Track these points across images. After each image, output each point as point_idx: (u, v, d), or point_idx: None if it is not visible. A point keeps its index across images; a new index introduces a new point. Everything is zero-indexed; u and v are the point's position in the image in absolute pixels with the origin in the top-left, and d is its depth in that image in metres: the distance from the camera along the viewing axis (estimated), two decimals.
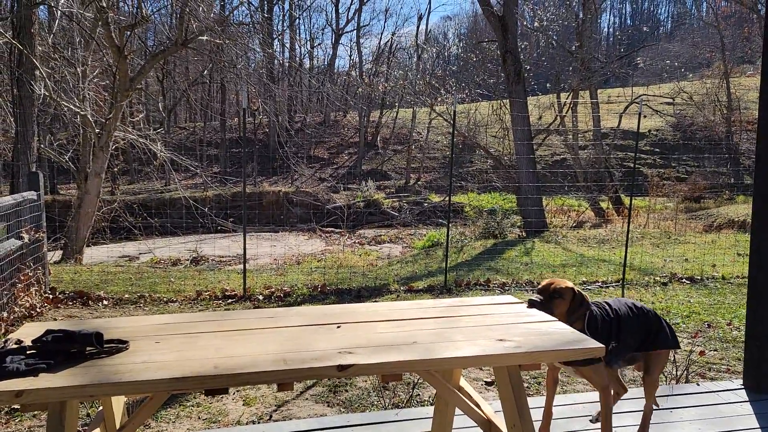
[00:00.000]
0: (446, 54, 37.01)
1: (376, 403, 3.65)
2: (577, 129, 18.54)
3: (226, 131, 27.75)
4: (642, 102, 7.49)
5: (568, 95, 17.67)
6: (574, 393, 3.70)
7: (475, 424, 2.39)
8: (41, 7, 9.22)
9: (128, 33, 8.11)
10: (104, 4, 7.62)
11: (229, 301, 6.29)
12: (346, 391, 3.84)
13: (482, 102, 20.36)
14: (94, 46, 9.32)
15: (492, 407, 2.42)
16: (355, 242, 14.88)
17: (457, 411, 2.67)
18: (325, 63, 35.55)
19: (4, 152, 11.04)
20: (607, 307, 2.72)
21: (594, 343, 2.01)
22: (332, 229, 16.89)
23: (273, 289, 6.61)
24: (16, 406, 3.32)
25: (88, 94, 8.98)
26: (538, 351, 1.93)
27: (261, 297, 6.37)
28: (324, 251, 13.46)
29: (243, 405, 3.62)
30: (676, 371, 3.94)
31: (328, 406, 3.63)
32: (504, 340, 2.00)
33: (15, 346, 1.74)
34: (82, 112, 8.53)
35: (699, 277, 7.29)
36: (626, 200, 15.32)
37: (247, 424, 3.34)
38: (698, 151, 23.91)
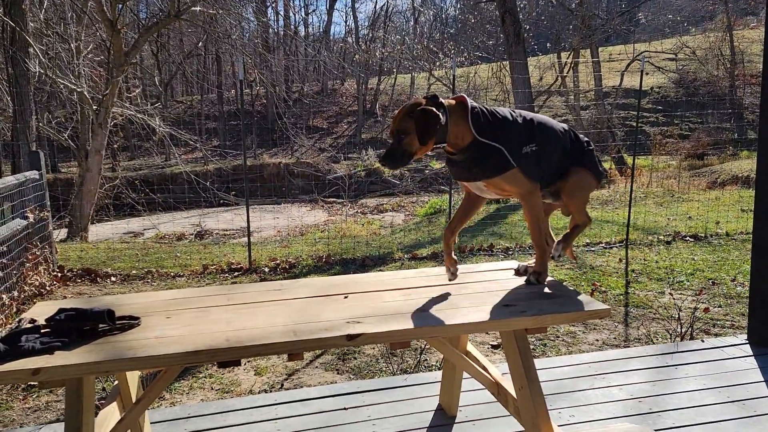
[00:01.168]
0: (444, 16, 36.36)
1: (384, 369, 3.71)
2: (579, 89, 18.34)
3: (223, 104, 27.53)
4: (644, 59, 7.39)
5: (569, 54, 17.42)
6: (580, 353, 3.75)
7: (483, 387, 2.43)
8: None
9: (120, 6, 7.98)
10: None
11: (236, 274, 6.34)
12: (355, 358, 3.90)
13: (482, 65, 20.09)
14: (86, 20, 9.18)
15: (499, 370, 2.46)
16: (357, 212, 14.90)
17: (465, 375, 2.72)
18: (321, 30, 35.02)
19: (3, 132, 10.99)
20: (514, 111, 2.32)
21: (600, 305, 2.03)
22: (334, 199, 16.90)
23: (278, 261, 6.65)
24: (33, 383, 3.39)
25: (84, 70, 8.89)
26: (543, 315, 1.95)
27: (266, 269, 6.42)
28: (327, 222, 13.50)
29: (254, 375, 3.68)
30: (681, 328, 3.99)
31: (338, 373, 3.70)
32: (510, 305, 2.02)
33: (29, 325, 1.77)
34: (78, 89, 8.45)
35: (703, 235, 7.30)
36: (629, 160, 15.24)
37: (259, 393, 3.41)
38: (701, 107, 23.67)
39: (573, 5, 16.18)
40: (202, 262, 6.76)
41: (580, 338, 4.15)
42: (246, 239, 7.00)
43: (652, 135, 20.61)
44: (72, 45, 8.79)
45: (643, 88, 7.53)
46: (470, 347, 2.55)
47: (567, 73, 17.03)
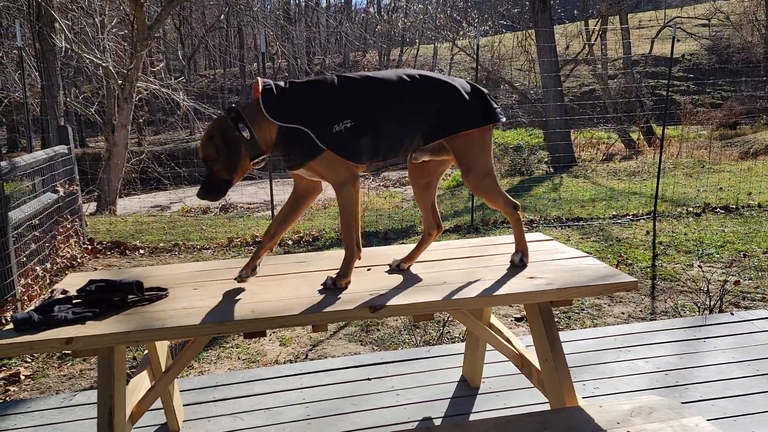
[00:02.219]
0: None
1: (407, 340, 3.74)
2: (607, 57, 17.86)
3: (245, 77, 27.51)
4: (675, 25, 7.14)
5: (597, 22, 16.93)
6: (605, 326, 3.73)
7: (506, 359, 2.44)
8: None
9: None
10: None
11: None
12: (378, 330, 3.94)
13: (506, 34, 19.67)
14: None
15: (523, 342, 2.45)
16: (379, 185, 14.87)
17: (488, 347, 2.72)
18: (342, 1, 34.57)
19: (32, 107, 11.16)
20: (336, 78, 1.96)
21: (626, 277, 2.00)
22: None
23: (301, 234, 6.70)
24: (66, 352, 3.50)
25: (108, 44, 8.95)
26: (569, 287, 1.93)
27: (290, 242, 6.47)
28: None
29: (279, 345, 3.75)
30: (710, 301, 3.93)
31: (361, 344, 3.74)
32: (535, 278, 2.01)
33: (61, 296, 1.81)
34: (103, 64, 8.51)
35: (734, 206, 7.13)
36: (658, 130, 14.89)
37: (284, 363, 3.47)
38: (734, 74, 22.90)
39: None
40: (227, 235, 6.85)
41: (605, 311, 4.12)
42: (270, 212, 7.05)
43: (682, 104, 20.05)
44: (96, 19, 8.83)
45: (673, 56, 7.30)
46: (494, 319, 2.55)
47: (594, 41, 16.59)
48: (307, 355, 3.60)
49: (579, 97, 21.89)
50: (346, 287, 1.96)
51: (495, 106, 2.02)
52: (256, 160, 1.91)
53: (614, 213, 7.15)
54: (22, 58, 7.08)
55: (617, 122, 14.86)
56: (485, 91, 2.05)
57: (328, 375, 2.93)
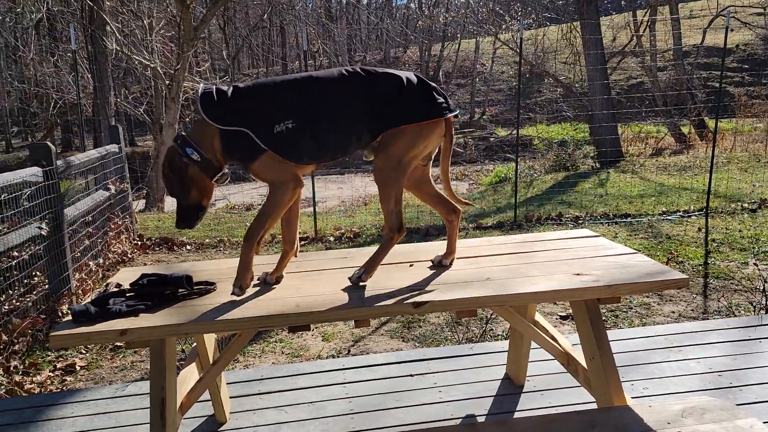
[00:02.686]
0: None
1: (449, 338, 3.73)
2: (656, 49, 17.30)
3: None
4: (729, 14, 6.87)
5: (645, 12, 16.42)
6: (654, 325, 3.63)
7: (551, 358, 2.40)
8: None
9: None
10: None
11: (302, 242, 6.48)
12: (420, 327, 3.93)
13: (550, 27, 19.29)
14: None
15: (569, 341, 2.41)
16: None
17: (533, 344, 2.68)
18: None
19: (85, 108, 11.59)
20: (277, 80, 1.95)
21: (677, 274, 1.94)
22: None
23: (343, 231, 6.75)
24: (119, 344, 3.63)
25: (156, 46, 9.20)
26: (617, 284, 1.88)
27: (332, 238, 6.53)
28: None
29: (322, 341, 3.79)
30: (766, 300, 3.77)
31: (403, 341, 3.74)
32: (581, 274, 1.96)
33: (115, 289, 1.88)
34: (151, 65, 8.77)
35: None
36: (710, 123, 14.36)
37: (327, 358, 3.50)
38: None
39: None
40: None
41: (654, 310, 4.00)
42: (311, 209, 7.14)
43: (736, 96, 19.26)
44: (145, 21, 9.10)
45: (727, 46, 7.02)
46: (538, 317, 2.51)
47: (643, 32, 16.10)
48: (349, 351, 3.63)
49: (626, 90, 21.29)
50: (245, 288, 1.91)
51: (441, 101, 1.93)
52: (216, 177, 1.94)
53: (664, 209, 6.94)
54: (75, 61, 7.36)
55: (667, 116, 14.39)
56: (433, 85, 1.97)
57: (371, 370, 2.94)
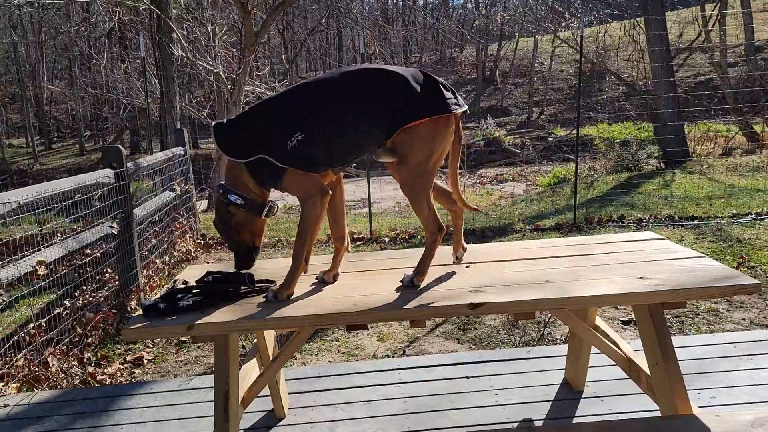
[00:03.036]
0: None
1: (506, 340, 3.68)
2: (726, 44, 16.50)
3: None
4: None
5: (714, 6, 15.69)
6: (723, 332, 3.47)
7: (612, 363, 2.34)
8: None
9: None
10: None
11: (357, 243, 6.55)
12: (475, 329, 3.91)
13: (612, 23, 18.71)
14: (221, 4, 9.79)
15: (631, 346, 2.34)
16: (476, 182, 14.69)
17: (593, 350, 2.62)
18: None
19: (153, 112, 12.11)
20: (276, 96, 1.95)
21: (748, 279, 1.85)
22: None
23: (398, 231, 6.78)
24: (184, 339, 3.79)
25: (219, 51, 9.51)
26: (683, 288, 1.82)
27: (387, 239, 6.56)
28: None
29: (377, 341, 3.82)
30: None
31: (459, 342, 3.72)
32: (645, 278, 1.91)
33: (183, 285, 1.96)
34: (214, 70, 9.07)
35: None
36: None
37: (382, 358, 3.53)
38: None
39: None
40: (326, 231, 7.06)
41: (723, 316, 3.83)
42: (367, 210, 7.20)
43: None
44: (208, 28, 9.42)
45: None
46: (599, 321, 2.45)
47: (712, 27, 15.39)
48: (404, 351, 3.64)
49: (693, 88, 20.38)
50: (288, 299, 1.89)
51: (449, 96, 1.88)
52: (266, 211, 1.97)
53: (734, 211, 6.61)
54: (144, 68, 7.70)
55: (738, 114, 13.68)
56: (439, 80, 1.91)
57: (426, 371, 2.95)
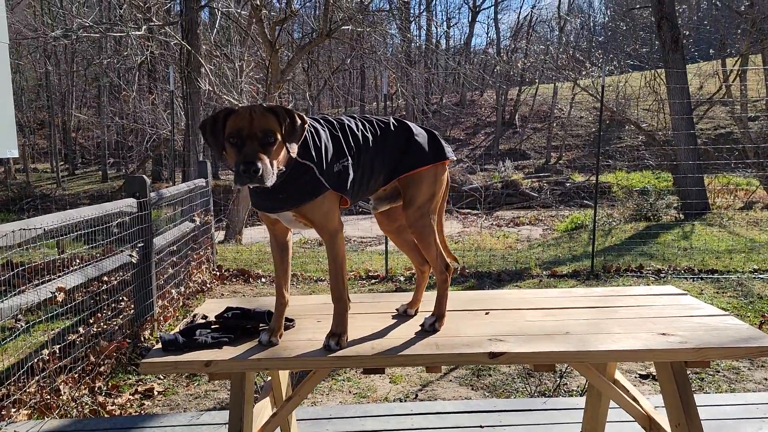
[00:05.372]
0: (591, 24, 34.77)
1: (520, 389, 3.62)
2: (746, 98, 16.53)
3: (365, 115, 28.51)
4: None
5: (735, 61, 15.79)
6: (744, 392, 3.38)
7: (631, 419, 2.28)
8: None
9: (279, 28, 8.64)
10: (258, 2, 8.19)
11: (372, 281, 6.53)
12: (490, 375, 3.84)
13: (633, 73, 18.87)
14: (249, 42, 10.07)
15: (650, 402, 2.29)
16: (492, 224, 14.66)
17: (611, 404, 2.56)
18: (462, 42, 35.11)
19: (176, 142, 12.34)
20: (333, 121, 1.96)
21: None
22: (469, 210, 16.78)
23: (413, 271, 6.75)
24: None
25: (245, 87, 9.74)
26: (707, 347, 1.79)
27: (402, 278, 6.54)
28: (461, 233, 13.43)
29: (389, 382, 3.77)
30: None
31: (472, 389, 3.66)
32: (667, 334, 1.88)
33: (201, 320, 1.97)
34: (240, 105, 9.29)
35: None
36: None
37: (394, 401, 3.48)
38: None
39: (742, 7, 14.66)
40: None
41: (744, 375, 3.73)
42: (383, 247, 7.20)
43: None
44: (236, 64, 9.68)
45: None
46: (618, 375, 2.40)
47: (733, 81, 15.46)
48: (416, 395, 3.59)
49: (714, 140, 20.35)
50: (344, 345, 1.83)
51: (445, 145, 2.06)
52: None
53: (755, 267, 6.51)
54: (173, 100, 7.89)
55: (759, 168, 13.61)
56: (435, 132, 2.09)
57: (439, 418, 2.90)
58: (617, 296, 2.34)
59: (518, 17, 33.64)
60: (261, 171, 1.60)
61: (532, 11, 31.95)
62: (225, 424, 2.85)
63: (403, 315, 2.17)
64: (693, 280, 6.13)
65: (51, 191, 20.31)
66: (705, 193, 10.84)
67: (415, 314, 2.18)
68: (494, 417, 2.88)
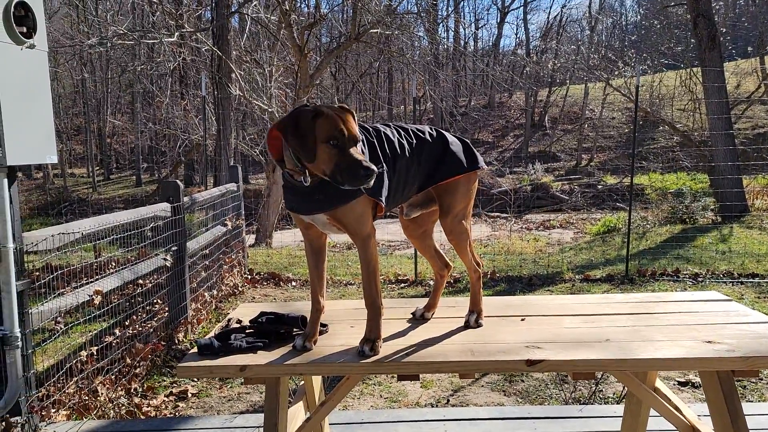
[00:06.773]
0: (624, 23, 34.18)
1: (555, 396, 3.55)
2: None
3: (393, 119, 28.60)
4: None
5: None
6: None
7: (672, 428, 2.21)
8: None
9: (308, 32, 8.70)
10: (287, 7, 8.25)
11: (402, 285, 6.51)
12: (523, 381, 3.78)
13: (667, 72, 18.47)
14: (278, 47, 10.16)
15: (693, 411, 2.21)
16: (522, 227, 14.49)
17: (651, 412, 2.49)
18: (490, 44, 34.90)
19: (208, 148, 12.54)
20: (369, 128, 1.96)
21: None
22: (498, 214, 16.63)
23: None
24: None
25: (274, 92, 9.83)
26: (756, 356, 1.72)
27: (431, 282, 6.49)
28: (490, 237, 13.31)
29: (421, 387, 3.74)
30: None
31: (505, 395, 3.61)
32: (713, 342, 1.81)
33: (236, 325, 1.98)
34: (269, 110, 9.36)
35: None
36: None
37: (425, 406, 3.45)
38: None
39: None
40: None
41: (756, 385, 3.59)
42: (411, 251, 7.17)
43: None
44: (265, 69, 9.77)
45: None
46: (659, 383, 2.33)
47: None
48: (448, 401, 3.55)
49: (752, 140, 19.78)
50: (378, 350, 1.82)
51: (477, 155, 2.12)
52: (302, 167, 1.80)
53: None
54: (204, 106, 8.00)
55: None
56: (468, 141, 2.14)
57: (472, 424, 2.86)
58: (658, 302, 2.27)
59: (548, 17, 33.33)
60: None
61: (562, 11, 31.60)
62: (258, 427, 2.86)
63: (420, 319, 2.18)
64: (733, 285, 5.94)
65: (87, 195, 20.84)
66: (744, 195, 10.53)
67: (431, 317, 2.20)
68: (529, 424, 2.83)
